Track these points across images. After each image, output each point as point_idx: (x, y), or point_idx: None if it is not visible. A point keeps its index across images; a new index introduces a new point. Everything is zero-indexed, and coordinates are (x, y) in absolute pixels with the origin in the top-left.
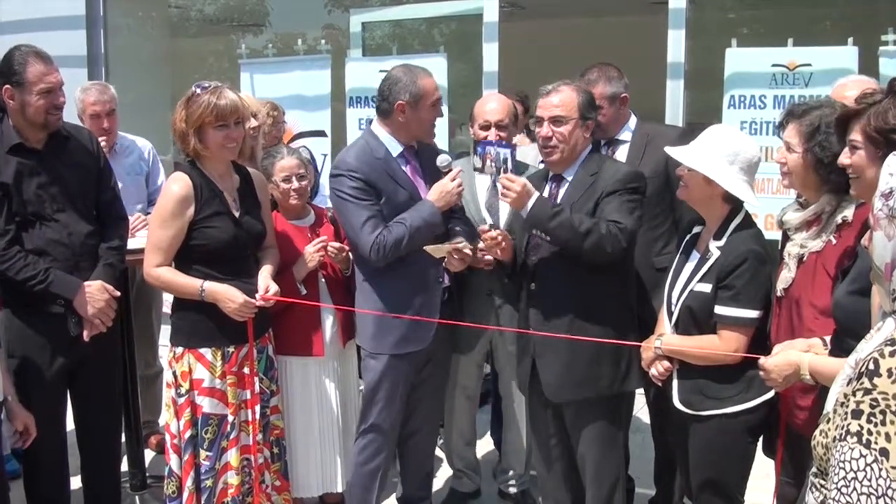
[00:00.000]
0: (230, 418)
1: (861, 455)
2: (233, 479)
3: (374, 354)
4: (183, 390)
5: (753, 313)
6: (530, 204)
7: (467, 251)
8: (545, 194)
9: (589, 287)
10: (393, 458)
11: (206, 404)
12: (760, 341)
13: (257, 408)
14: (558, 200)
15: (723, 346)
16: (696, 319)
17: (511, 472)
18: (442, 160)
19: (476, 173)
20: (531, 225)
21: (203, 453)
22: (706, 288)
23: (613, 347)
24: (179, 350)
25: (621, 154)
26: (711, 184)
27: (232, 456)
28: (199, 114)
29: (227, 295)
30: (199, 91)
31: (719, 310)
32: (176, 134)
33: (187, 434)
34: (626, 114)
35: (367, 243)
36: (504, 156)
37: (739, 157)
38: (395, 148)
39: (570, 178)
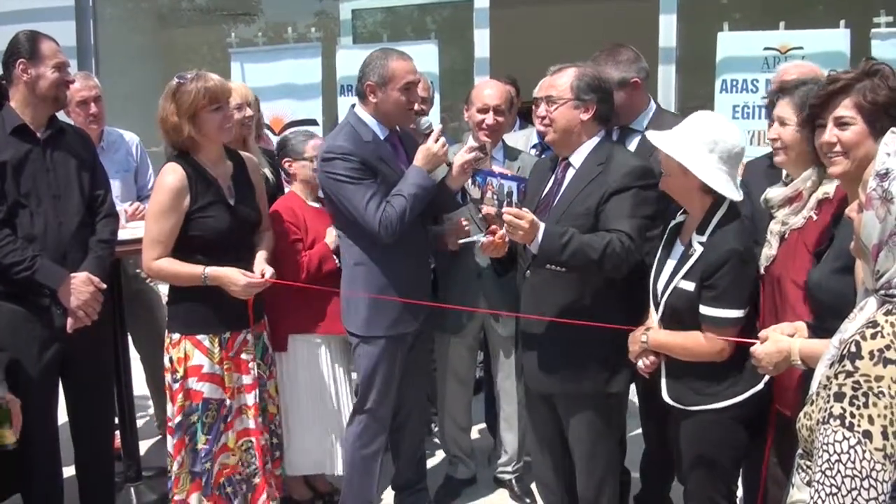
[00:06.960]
0: (228, 402)
1: (844, 437)
2: (230, 459)
3: (369, 338)
4: (178, 376)
5: (737, 313)
6: (540, 237)
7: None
8: (551, 182)
9: (585, 281)
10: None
11: (206, 390)
12: (750, 322)
13: (256, 392)
14: (564, 186)
15: (708, 345)
16: (681, 317)
17: (505, 459)
18: (423, 122)
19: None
20: (544, 261)
21: (203, 437)
22: (689, 286)
23: (600, 349)
24: (176, 336)
25: (634, 145)
26: (688, 174)
27: (229, 438)
28: (192, 101)
29: (230, 278)
30: (181, 81)
31: (703, 310)
32: (167, 127)
33: (177, 419)
34: (642, 101)
35: (375, 221)
36: (509, 188)
37: (720, 146)
38: (382, 131)
39: (577, 165)
